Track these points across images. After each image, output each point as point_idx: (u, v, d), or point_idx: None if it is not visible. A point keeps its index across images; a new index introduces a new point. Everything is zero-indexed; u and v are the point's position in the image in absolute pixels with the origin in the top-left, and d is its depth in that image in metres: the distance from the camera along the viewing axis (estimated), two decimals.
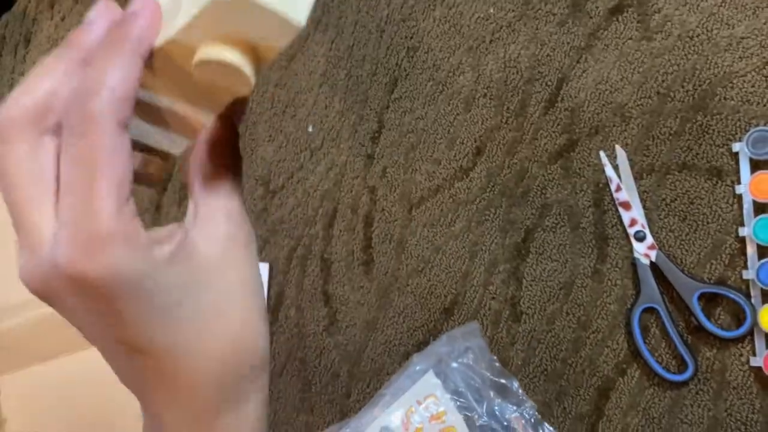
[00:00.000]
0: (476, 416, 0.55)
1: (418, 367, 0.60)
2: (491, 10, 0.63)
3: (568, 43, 0.60)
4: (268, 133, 0.71)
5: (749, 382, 0.54)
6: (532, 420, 0.55)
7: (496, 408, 0.55)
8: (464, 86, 0.63)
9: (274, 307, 0.70)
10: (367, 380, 0.66)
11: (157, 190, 0.75)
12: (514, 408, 0.55)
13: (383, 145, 0.66)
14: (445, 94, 0.64)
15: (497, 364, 0.58)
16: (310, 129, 0.69)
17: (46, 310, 0.86)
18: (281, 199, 0.70)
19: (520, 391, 0.56)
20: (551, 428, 0.56)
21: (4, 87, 0.86)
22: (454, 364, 0.57)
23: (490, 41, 0.63)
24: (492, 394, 0.56)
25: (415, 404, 0.58)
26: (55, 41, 0.83)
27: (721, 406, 0.54)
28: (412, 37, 0.65)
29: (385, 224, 0.66)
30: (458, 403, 0.57)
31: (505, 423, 0.55)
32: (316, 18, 0.69)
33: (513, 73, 0.62)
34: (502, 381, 0.57)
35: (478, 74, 0.63)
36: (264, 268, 0.70)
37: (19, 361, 0.80)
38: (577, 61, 0.60)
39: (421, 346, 0.64)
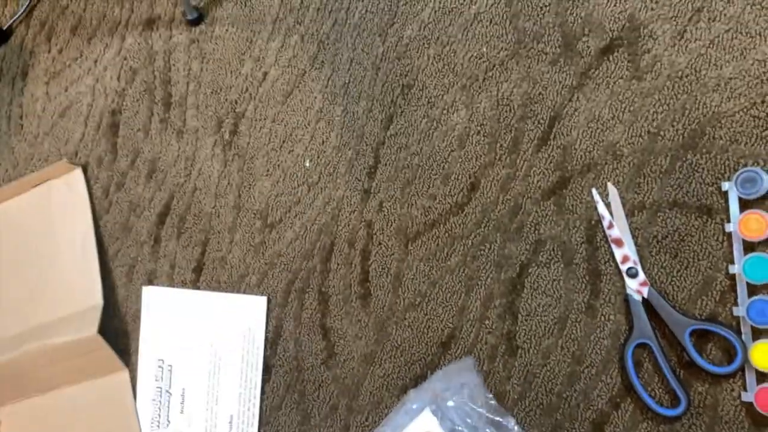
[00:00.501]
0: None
1: (414, 405, 0.61)
2: (484, 49, 0.64)
3: (560, 81, 0.61)
4: (265, 168, 0.72)
5: (741, 417, 0.55)
6: None
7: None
8: (458, 123, 0.64)
9: (273, 340, 0.71)
10: (365, 413, 0.67)
11: (156, 223, 0.76)
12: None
13: (379, 180, 0.67)
14: (439, 130, 0.65)
15: (493, 401, 0.58)
16: (307, 164, 0.70)
17: (47, 341, 0.86)
18: (279, 233, 0.71)
19: (516, 428, 0.57)
20: None
21: (2, 119, 0.86)
22: (450, 402, 0.58)
23: (483, 79, 0.64)
24: (485, 429, 0.57)
25: None
26: (52, 74, 0.83)
27: None
28: (406, 75, 0.67)
29: (382, 258, 0.67)
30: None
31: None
32: (313, 55, 0.70)
33: (506, 111, 0.63)
34: (498, 419, 0.58)
35: (472, 112, 0.64)
36: (262, 302, 0.71)
37: (19, 392, 0.80)
38: (569, 100, 0.61)
39: (418, 379, 0.65)
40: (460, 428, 0.57)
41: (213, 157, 0.74)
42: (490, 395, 0.59)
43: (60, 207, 0.80)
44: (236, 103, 0.73)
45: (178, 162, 0.76)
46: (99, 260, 0.78)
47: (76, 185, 0.80)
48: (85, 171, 0.80)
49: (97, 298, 0.77)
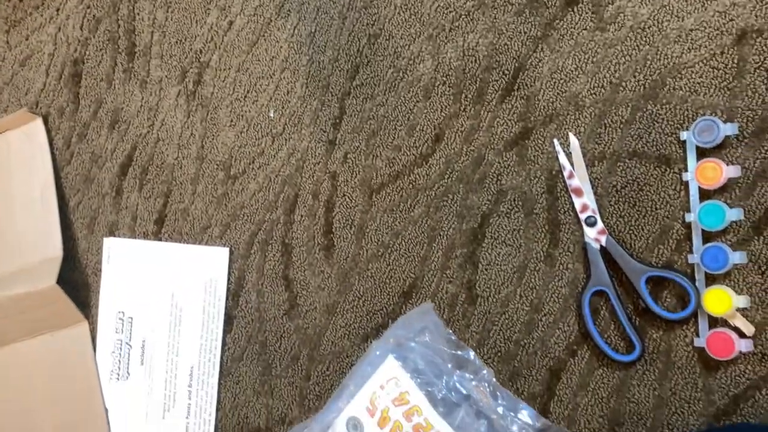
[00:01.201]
0: (436, 390, 0.56)
1: (377, 353, 0.61)
2: None
3: (524, 32, 0.61)
4: (229, 119, 0.71)
5: (693, 363, 0.56)
6: (490, 387, 0.56)
7: (456, 380, 0.56)
8: (424, 74, 0.64)
9: (235, 292, 0.70)
10: (326, 363, 0.67)
11: (118, 174, 0.75)
12: (472, 377, 0.56)
13: (344, 131, 0.67)
14: (405, 81, 0.65)
15: (453, 337, 0.59)
16: (271, 114, 0.69)
17: (4, 293, 0.84)
18: (242, 185, 0.70)
19: (477, 360, 0.58)
20: (508, 392, 0.57)
21: None
22: (412, 344, 0.58)
23: (450, 30, 0.63)
24: (450, 366, 0.57)
25: (378, 389, 0.59)
26: (13, 22, 0.81)
27: (666, 386, 0.56)
28: (373, 24, 0.66)
29: (346, 210, 0.67)
30: (419, 380, 0.58)
31: (465, 392, 0.56)
32: (279, 3, 0.69)
33: (471, 62, 0.63)
34: (459, 353, 0.58)
35: (438, 62, 0.64)
36: (224, 253, 0.70)
37: None
38: (534, 51, 0.61)
39: (380, 329, 0.65)
40: (423, 367, 0.57)
41: (176, 107, 0.73)
42: (450, 332, 0.60)
43: (19, 157, 0.79)
44: (201, 52, 0.72)
45: (141, 112, 0.75)
46: (59, 212, 0.77)
47: (36, 135, 0.78)
48: (46, 121, 0.78)
49: (57, 250, 0.75)
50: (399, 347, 0.59)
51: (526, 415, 0.55)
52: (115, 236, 0.75)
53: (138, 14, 0.75)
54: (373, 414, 0.58)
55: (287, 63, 0.69)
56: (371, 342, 0.65)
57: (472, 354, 0.58)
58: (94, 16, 0.77)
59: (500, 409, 0.55)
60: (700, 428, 0.55)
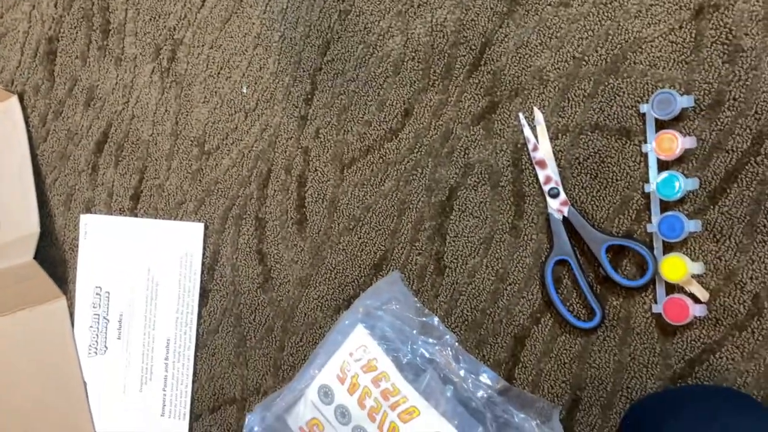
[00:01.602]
0: (402, 356, 0.58)
1: (347, 322, 0.63)
2: None
3: (491, 8, 0.62)
4: (202, 95, 0.72)
5: (651, 328, 0.58)
6: (453, 351, 0.58)
7: (420, 345, 0.58)
8: (393, 49, 0.65)
9: (210, 266, 0.71)
10: (300, 334, 0.68)
11: (94, 151, 0.76)
12: (435, 342, 0.58)
13: (316, 107, 0.68)
14: (375, 57, 0.66)
15: (419, 305, 0.61)
16: (244, 90, 0.70)
17: None
18: (216, 160, 0.71)
19: (441, 326, 0.59)
20: (470, 356, 0.59)
21: None
22: (380, 313, 0.60)
23: (418, 5, 0.65)
24: (415, 332, 0.59)
25: (348, 357, 0.61)
26: None
27: (625, 351, 0.58)
28: (344, 1, 0.67)
29: (318, 184, 0.68)
30: (386, 347, 0.59)
31: (429, 357, 0.58)
32: None
33: (439, 37, 0.64)
34: (424, 319, 0.60)
35: (407, 38, 0.65)
36: (199, 228, 0.71)
37: None
38: (500, 26, 0.62)
39: (351, 300, 0.66)
40: (390, 334, 0.59)
41: (151, 84, 0.74)
42: (416, 300, 0.61)
43: None
44: (174, 29, 0.73)
45: (116, 90, 0.75)
46: (36, 189, 0.77)
47: (12, 113, 0.79)
48: (21, 99, 0.79)
49: (34, 226, 0.76)
50: (368, 316, 0.61)
51: (486, 377, 0.57)
52: (91, 213, 0.76)
53: None
54: (343, 381, 0.60)
55: (260, 39, 0.70)
56: (342, 312, 0.66)
57: (436, 320, 0.59)
58: None
59: (462, 372, 0.56)
60: (657, 391, 0.57)
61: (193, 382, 0.72)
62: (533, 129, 0.61)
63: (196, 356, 0.72)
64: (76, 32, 0.77)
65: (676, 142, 0.55)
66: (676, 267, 0.55)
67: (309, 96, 0.68)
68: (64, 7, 0.77)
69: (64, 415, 0.76)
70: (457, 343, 0.59)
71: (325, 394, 0.61)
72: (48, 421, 0.76)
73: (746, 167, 0.55)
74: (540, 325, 0.61)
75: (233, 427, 0.70)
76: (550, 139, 0.60)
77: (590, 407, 0.59)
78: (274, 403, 0.63)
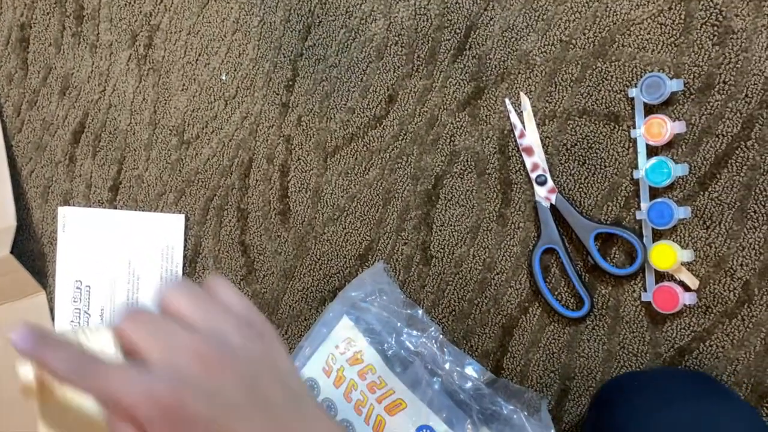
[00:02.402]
0: (387, 348, 0.57)
1: (331, 314, 0.62)
2: None
3: None
4: (181, 83, 0.70)
5: (640, 317, 0.57)
6: (437, 343, 0.57)
7: (404, 337, 0.57)
8: (376, 34, 0.64)
9: (191, 258, 0.70)
10: (285, 327, 0.67)
11: (71, 141, 0.74)
12: (421, 334, 0.57)
13: (298, 94, 0.66)
14: (357, 41, 0.64)
15: (402, 296, 0.59)
16: (223, 77, 0.68)
17: None
18: (196, 150, 0.69)
19: (425, 318, 0.58)
20: (455, 348, 0.58)
21: None
22: (364, 304, 0.58)
23: None
24: (401, 324, 0.58)
25: (334, 349, 0.60)
26: None
27: (614, 340, 0.58)
28: None
29: (301, 173, 0.66)
30: (372, 339, 0.58)
31: (413, 348, 0.57)
32: None
33: (423, 21, 0.62)
34: (409, 311, 0.59)
35: (390, 21, 0.63)
36: (179, 219, 0.70)
37: None
38: (485, 9, 0.60)
39: (337, 291, 0.65)
40: (375, 326, 0.58)
41: (128, 72, 0.72)
42: (399, 291, 0.60)
43: None
44: (151, 15, 0.71)
45: (92, 78, 0.73)
46: (12, 181, 0.75)
47: None
48: None
49: (10, 219, 0.74)
50: (353, 308, 0.60)
51: (472, 369, 0.56)
52: (69, 205, 0.74)
53: None
54: (329, 374, 0.59)
55: (238, 24, 0.68)
56: (328, 304, 0.65)
57: (420, 312, 0.58)
58: None
59: (448, 365, 0.55)
60: (630, 371, 0.56)
61: None
62: (520, 115, 0.59)
63: None
64: (49, 18, 0.75)
65: (665, 127, 0.54)
66: (665, 255, 0.54)
67: (290, 83, 0.66)
68: None
69: None
70: (442, 336, 0.58)
71: (312, 387, 0.60)
72: (26, 418, 0.74)
73: (736, 152, 0.54)
74: (528, 315, 0.60)
75: None
76: (537, 125, 0.59)
77: (579, 397, 0.59)
78: None
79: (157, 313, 0.33)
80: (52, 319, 0.74)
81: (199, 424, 0.30)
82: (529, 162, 0.59)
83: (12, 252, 0.75)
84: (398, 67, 0.63)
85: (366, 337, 0.58)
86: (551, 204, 0.58)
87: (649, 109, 0.56)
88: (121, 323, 0.32)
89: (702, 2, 0.55)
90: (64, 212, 0.74)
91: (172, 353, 0.31)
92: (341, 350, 0.59)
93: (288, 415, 0.32)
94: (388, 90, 0.63)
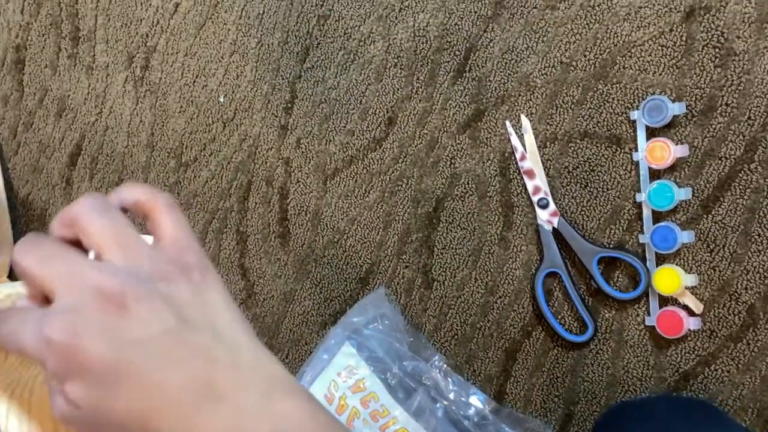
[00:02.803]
0: (391, 376, 0.56)
1: (333, 341, 0.61)
2: None
3: (475, 12, 0.60)
4: (178, 105, 0.69)
5: (644, 341, 0.56)
6: (442, 372, 0.56)
7: (409, 364, 0.57)
8: (375, 56, 0.63)
9: None
10: (285, 351, 0.67)
11: (67, 164, 0.73)
12: (425, 362, 0.56)
13: (297, 116, 0.66)
14: (356, 63, 0.64)
15: (404, 322, 0.59)
16: (221, 99, 0.68)
17: None
18: (194, 172, 0.69)
19: (429, 345, 0.58)
20: (459, 377, 0.58)
21: None
22: (367, 331, 0.58)
23: (400, 9, 0.62)
24: (404, 352, 0.57)
25: (336, 377, 0.59)
26: None
27: (618, 365, 0.57)
28: (322, 5, 0.64)
29: (301, 196, 0.66)
30: (375, 367, 0.58)
31: (418, 377, 0.56)
32: None
33: (422, 43, 0.62)
34: (411, 339, 0.58)
35: (389, 43, 0.63)
36: None
37: None
38: (484, 31, 0.60)
39: (337, 315, 0.65)
40: (378, 353, 0.57)
41: (124, 93, 0.71)
42: (402, 317, 0.60)
43: None
44: (147, 36, 0.70)
45: (89, 100, 0.72)
46: (9, 204, 0.75)
47: None
48: None
49: (8, 243, 0.74)
50: (355, 334, 0.59)
51: (476, 399, 0.55)
52: None
53: None
54: (331, 401, 0.58)
55: (236, 46, 0.67)
56: (329, 329, 0.64)
57: (423, 338, 0.58)
58: None
59: (452, 395, 0.55)
60: (634, 398, 0.56)
61: None
62: (521, 137, 0.59)
63: None
64: (45, 40, 0.74)
65: (667, 151, 0.53)
66: (669, 279, 0.53)
67: (289, 105, 0.66)
68: (31, 13, 0.74)
69: None
70: (446, 365, 0.57)
71: None
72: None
73: (739, 175, 0.54)
74: (531, 339, 0.59)
75: None
76: (539, 147, 0.59)
77: (583, 422, 0.58)
78: None
79: (59, 246, 0.30)
80: None
81: (102, 368, 0.27)
82: (530, 185, 0.58)
83: (9, 276, 0.75)
84: (398, 89, 0.62)
85: (369, 364, 0.57)
86: (553, 227, 0.57)
87: (652, 132, 0.55)
88: (20, 256, 0.29)
89: (703, 24, 0.54)
90: None
91: (73, 291, 0.28)
92: (343, 378, 0.58)
93: (216, 364, 0.29)
94: (387, 112, 0.63)
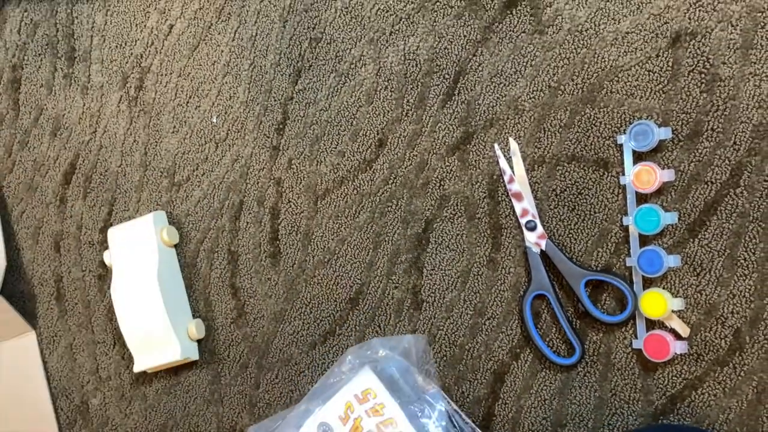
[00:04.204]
0: (407, 400, 0.56)
1: (350, 356, 0.60)
2: (391, 2, 0.63)
3: (464, 36, 0.61)
4: (171, 125, 0.70)
5: (632, 364, 0.57)
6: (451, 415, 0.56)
7: (424, 392, 0.56)
8: (366, 78, 0.64)
9: None
10: (275, 371, 0.67)
11: (61, 182, 0.74)
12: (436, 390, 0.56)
13: (288, 137, 0.66)
14: (347, 86, 0.64)
15: (420, 376, 0.59)
16: (214, 120, 0.68)
17: None
18: (186, 192, 0.69)
19: (440, 398, 0.58)
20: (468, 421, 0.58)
21: None
22: (389, 356, 0.58)
23: (390, 33, 0.63)
24: (419, 382, 0.57)
25: (353, 399, 0.58)
26: None
27: (606, 387, 0.57)
28: (314, 28, 0.65)
29: (292, 216, 0.66)
30: (392, 393, 0.57)
31: (435, 407, 0.56)
32: (219, 6, 0.68)
33: (412, 66, 0.62)
34: (425, 393, 0.58)
35: (379, 66, 0.63)
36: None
37: None
38: (474, 54, 0.61)
39: (327, 335, 0.65)
40: (397, 379, 0.56)
41: (119, 113, 0.72)
42: (417, 370, 0.59)
43: None
44: (142, 57, 0.71)
45: (83, 119, 0.73)
46: (2, 222, 0.75)
47: None
48: None
49: (0, 260, 0.74)
50: (375, 359, 0.59)
51: None
52: (60, 246, 0.74)
53: (77, 18, 0.73)
54: (345, 422, 0.58)
55: (229, 67, 0.68)
56: (318, 348, 0.65)
57: (435, 390, 0.58)
58: (31, 20, 0.75)
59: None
60: (639, 427, 0.56)
61: (168, 419, 0.70)
62: (509, 160, 0.59)
63: (171, 393, 0.70)
64: (41, 59, 0.75)
65: (654, 176, 0.54)
66: (656, 303, 0.54)
67: (281, 126, 0.66)
68: (28, 33, 0.75)
69: None
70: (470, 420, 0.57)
71: None
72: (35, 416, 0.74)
73: (725, 199, 0.54)
74: (519, 361, 0.59)
75: None
76: (527, 170, 0.59)
77: None
78: (271, 429, 0.61)
79: None
80: (42, 359, 0.74)
81: None
82: (518, 207, 0.59)
83: (2, 293, 0.75)
84: (388, 111, 0.63)
85: (388, 389, 0.56)
86: (541, 250, 0.58)
87: (638, 156, 0.56)
88: None
89: (689, 50, 0.55)
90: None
91: None
92: (361, 400, 0.57)
93: None
94: (377, 134, 0.64)
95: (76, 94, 0.73)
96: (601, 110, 0.57)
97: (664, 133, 0.54)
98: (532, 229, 0.58)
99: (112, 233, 0.69)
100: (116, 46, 0.72)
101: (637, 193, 0.56)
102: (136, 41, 0.71)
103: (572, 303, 0.58)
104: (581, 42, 0.58)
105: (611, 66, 0.57)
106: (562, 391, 0.58)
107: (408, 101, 0.62)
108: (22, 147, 0.75)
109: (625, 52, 0.57)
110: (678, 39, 0.55)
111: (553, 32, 0.58)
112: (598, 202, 0.57)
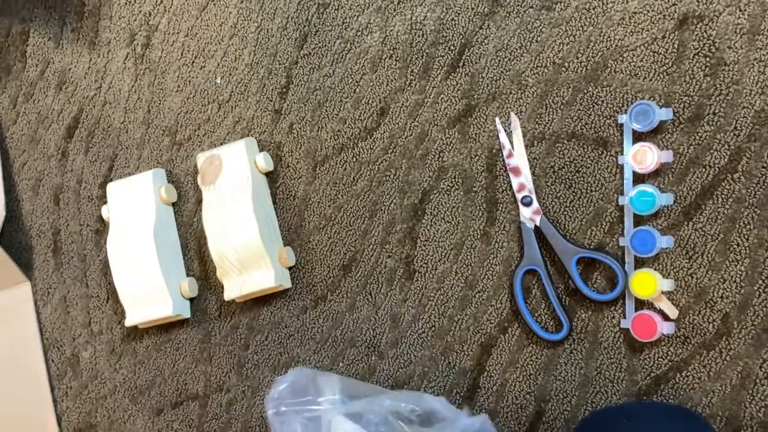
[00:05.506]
0: None
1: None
2: None
3: (472, 8, 0.61)
4: (176, 84, 0.70)
5: (618, 343, 0.57)
6: None
7: None
8: (371, 46, 0.64)
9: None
10: (265, 333, 0.67)
11: (64, 136, 0.74)
12: None
13: (291, 101, 0.66)
14: (353, 53, 0.64)
15: None
16: (218, 81, 0.69)
17: None
18: (187, 151, 0.70)
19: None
20: None
21: None
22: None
23: (398, 2, 0.63)
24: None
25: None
26: None
27: (591, 365, 0.57)
28: None
29: (290, 181, 0.67)
30: None
31: None
32: None
33: (418, 36, 0.62)
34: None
35: (386, 35, 0.63)
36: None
37: None
38: (480, 27, 0.60)
39: (318, 301, 0.65)
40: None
41: (124, 70, 0.72)
42: None
43: None
44: (150, 15, 0.71)
45: (89, 74, 0.73)
46: (3, 172, 0.76)
47: None
48: None
49: (0, 209, 0.75)
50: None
51: None
52: (60, 199, 0.74)
53: None
54: None
55: (236, 29, 0.68)
56: (309, 313, 0.65)
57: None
58: None
59: None
60: (617, 404, 0.56)
61: (156, 376, 0.70)
62: (509, 135, 0.59)
63: (161, 349, 0.70)
64: (51, 12, 0.75)
65: (652, 156, 0.54)
66: (646, 283, 0.54)
67: (284, 90, 0.67)
68: None
69: (24, 402, 0.75)
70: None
71: None
72: (8, 408, 0.75)
73: (722, 184, 0.54)
74: (507, 335, 0.60)
75: (195, 423, 0.69)
76: (526, 146, 0.59)
77: (554, 420, 0.58)
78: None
79: None
80: (36, 310, 0.74)
81: None
82: (515, 182, 0.59)
83: (0, 242, 0.76)
84: (391, 80, 0.63)
85: None
86: (535, 225, 0.58)
87: (638, 136, 0.56)
88: None
89: (696, 33, 0.55)
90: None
91: None
92: None
93: None
94: (380, 102, 0.64)
95: (83, 49, 0.73)
96: (604, 89, 0.57)
97: (665, 114, 0.54)
98: (528, 204, 0.58)
99: (112, 188, 0.69)
100: (125, 3, 0.72)
101: (634, 173, 0.56)
102: None
103: (563, 280, 0.58)
104: (588, 20, 0.58)
105: (617, 45, 0.57)
106: (548, 366, 0.59)
107: (412, 71, 0.62)
108: (27, 99, 0.76)
109: (631, 32, 0.56)
110: (685, 21, 0.55)
111: (561, 9, 0.58)
112: (595, 181, 0.57)
